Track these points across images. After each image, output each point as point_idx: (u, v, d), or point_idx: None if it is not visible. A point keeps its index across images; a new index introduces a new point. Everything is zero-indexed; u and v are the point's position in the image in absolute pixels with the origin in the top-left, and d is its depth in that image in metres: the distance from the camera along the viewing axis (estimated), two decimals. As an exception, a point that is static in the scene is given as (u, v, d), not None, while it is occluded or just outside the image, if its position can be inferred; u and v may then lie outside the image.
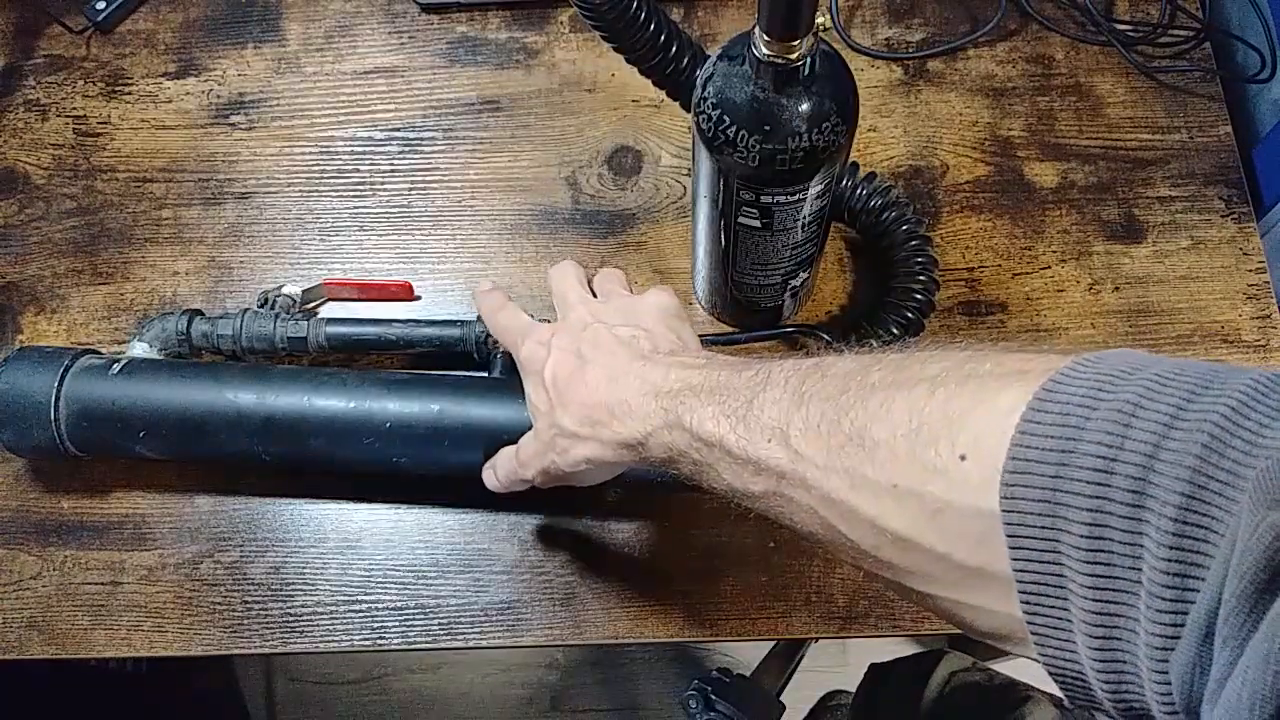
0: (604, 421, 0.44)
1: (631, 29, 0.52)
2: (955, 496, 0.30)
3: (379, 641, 0.60)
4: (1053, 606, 0.28)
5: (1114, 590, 0.26)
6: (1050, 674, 0.29)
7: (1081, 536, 0.27)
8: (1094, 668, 0.27)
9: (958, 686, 0.75)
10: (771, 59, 0.44)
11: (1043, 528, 0.27)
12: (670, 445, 0.41)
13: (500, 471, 0.53)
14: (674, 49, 0.54)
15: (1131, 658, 0.26)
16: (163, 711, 1.26)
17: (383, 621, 0.60)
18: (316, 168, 0.72)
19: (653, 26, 0.52)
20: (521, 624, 0.60)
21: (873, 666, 0.85)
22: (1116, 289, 0.66)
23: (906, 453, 0.31)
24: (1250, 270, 0.66)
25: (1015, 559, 0.28)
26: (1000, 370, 0.31)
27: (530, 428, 0.50)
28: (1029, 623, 0.29)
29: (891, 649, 1.35)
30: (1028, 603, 0.28)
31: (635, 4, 0.51)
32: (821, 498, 0.34)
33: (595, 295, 0.53)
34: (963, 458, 0.30)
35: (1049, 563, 0.28)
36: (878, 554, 0.33)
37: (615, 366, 0.45)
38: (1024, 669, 0.85)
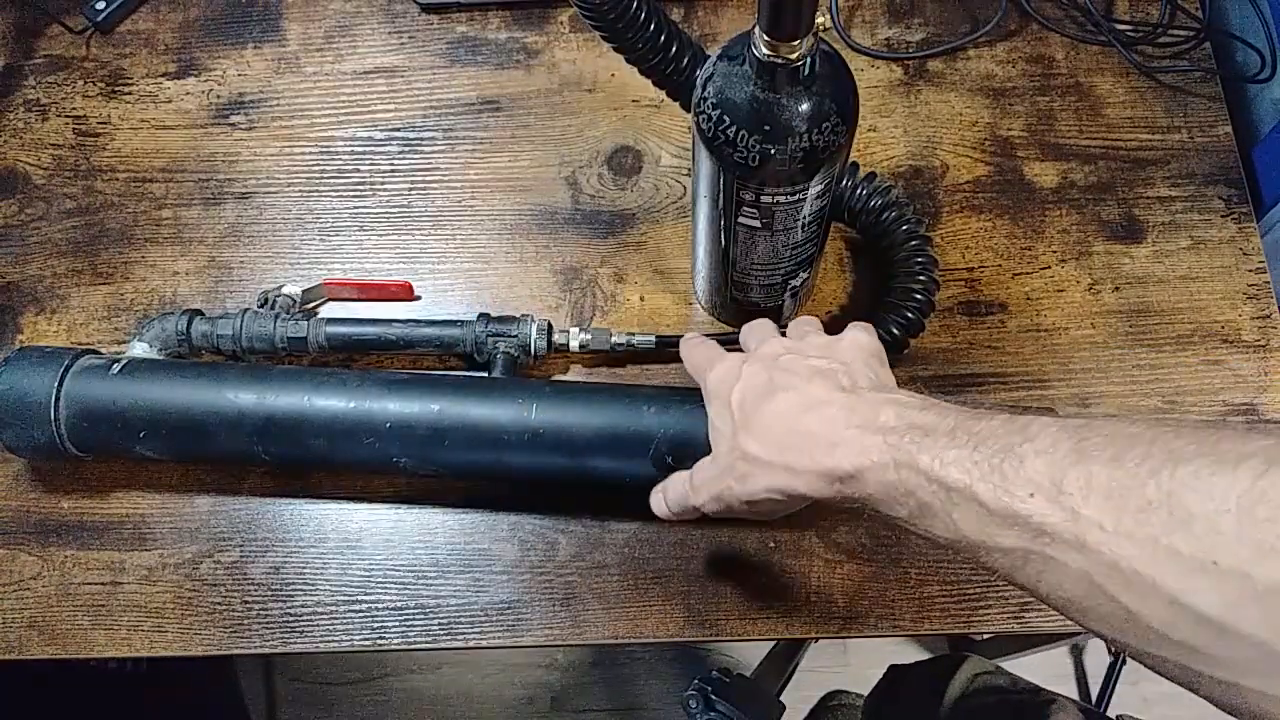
0: (801, 448, 0.42)
1: (631, 29, 0.52)
2: None
3: (379, 641, 0.60)
4: None
5: None
6: None
7: None
8: None
9: (980, 689, 0.75)
10: (771, 59, 0.44)
11: None
12: (895, 484, 0.39)
13: (670, 495, 0.51)
14: (674, 49, 0.54)
15: None
16: (163, 711, 1.26)
17: (383, 621, 0.60)
18: (316, 168, 0.72)
19: (653, 26, 0.52)
20: (521, 624, 0.60)
21: (892, 667, 0.85)
22: (1116, 289, 0.66)
23: (1233, 529, 0.28)
24: (1250, 270, 0.66)
25: None
26: None
27: (533, 431, 0.50)
28: None
29: (892, 649, 1.36)
30: None
31: (635, 4, 0.51)
32: (1105, 564, 0.31)
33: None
34: None
35: None
36: (1169, 633, 0.30)
37: (812, 395, 0.43)
38: (1037, 668, 0.86)
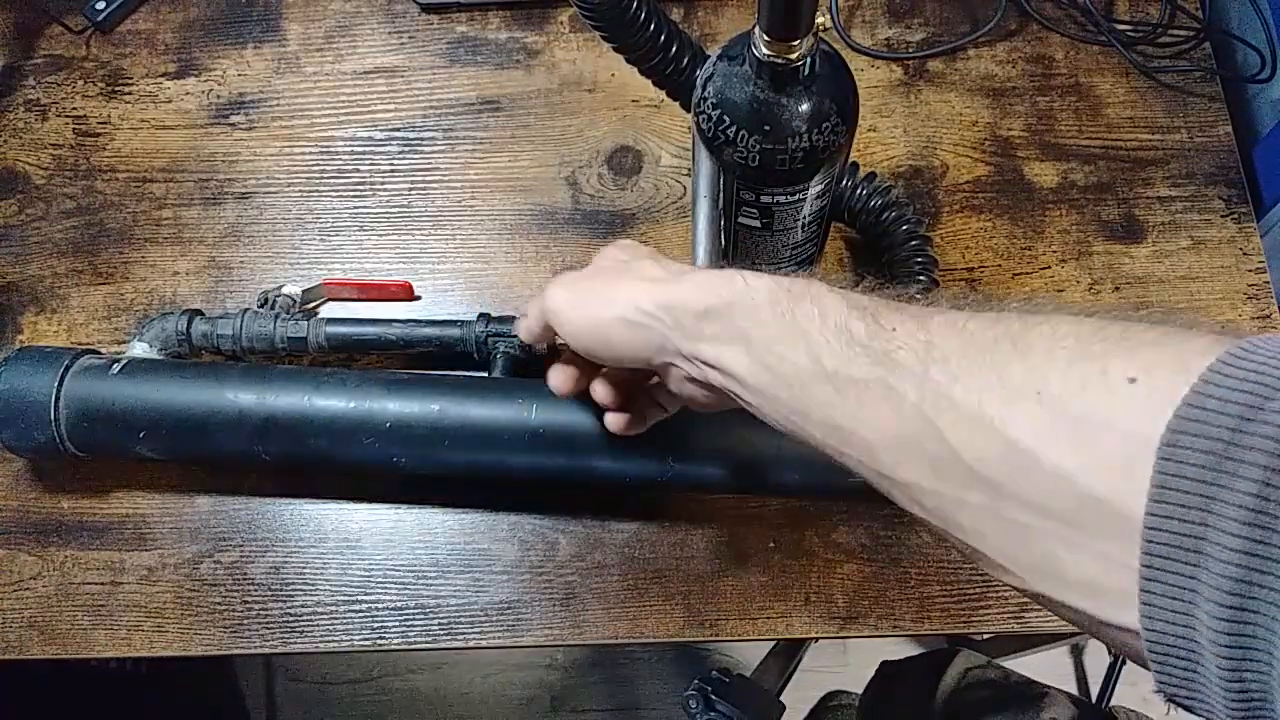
0: (659, 279, 0.42)
1: (631, 29, 0.52)
2: (1111, 414, 0.27)
3: (379, 641, 0.60)
4: (1182, 562, 0.25)
5: (1265, 560, 0.23)
6: (1147, 642, 0.26)
7: (1246, 494, 0.24)
8: (1217, 644, 0.24)
9: (973, 683, 0.75)
10: (771, 59, 0.44)
11: (1202, 469, 0.25)
12: (755, 308, 0.38)
13: (530, 317, 0.49)
14: (674, 49, 0.54)
15: (1267, 645, 0.24)
16: (163, 711, 1.26)
17: (383, 621, 0.60)
18: (316, 168, 0.72)
19: (653, 26, 0.52)
20: (521, 624, 0.60)
21: (884, 664, 0.85)
22: (1116, 289, 0.66)
23: (1065, 363, 0.29)
24: (1250, 270, 0.66)
25: (1158, 498, 0.25)
26: (1194, 325, 0.29)
27: (532, 431, 0.50)
28: (1146, 574, 0.26)
29: (893, 649, 1.36)
30: (1153, 552, 0.25)
31: (635, 4, 0.51)
32: (941, 395, 0.31)
33: None
34: (1132, 380, 0.27)
35: (1196, 509, 0.25)
36: (979, 468, 0.30)
37: (648, 269, 0.43)
38: (1037, 668, 0.86)
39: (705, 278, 0.40)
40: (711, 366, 0.39)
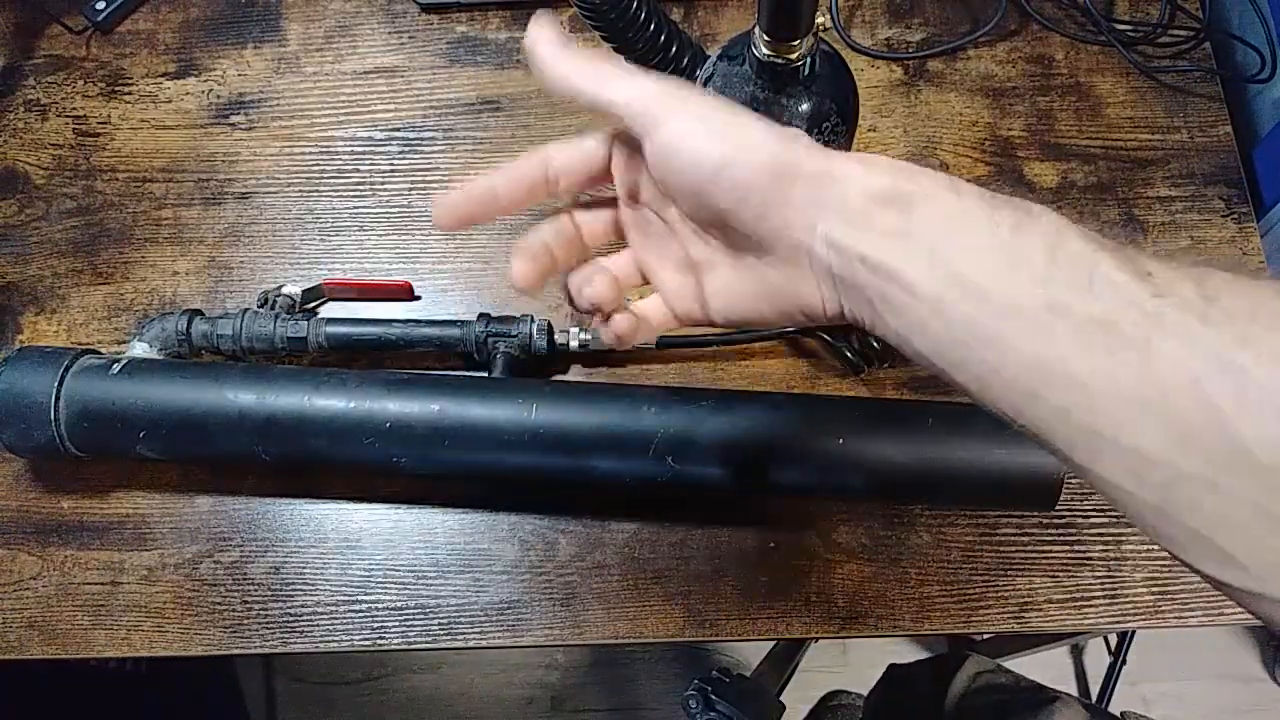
0: (817, 147, 0.32)
1: (631, 28, 0.52)
2: None
3: (379, 641, 0.60)
4: None
5: None
6: None
7: None
8: None
9: (983, 687, 0.75)
10: (771, 59, 0.44)
11: None
12: (921, 195, 0.31)
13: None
14: (674, 48, 0.54)
15: None
16: (163, 711, 1.26)
17: (383, 621, 0.60)
18: (316, 168, 0.72)
19: (653, 26, 0.53)
20: (521, 624, 0.60)
21: (892, 667, 0.85)
22: (1116, 289, 0.66)
23: None
24: (1250, 270, 0.66)
25: None
26: None
27: (532, 431, 0.50)
28: None
29: (893, 649, 1.36)
30: None
31: (635, 4, 0.51)
32: (1222, 361, 0.26)
33: None
34: None
35: None
36: (1262, 453, 0.25)
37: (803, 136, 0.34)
38: (1037, 668, 0.86)
39: (886, 161, 0.32)
40: (867, 265, 0.31)
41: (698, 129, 0.33)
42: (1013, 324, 0.29)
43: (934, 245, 0.30)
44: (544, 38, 0.35)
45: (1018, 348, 0.29)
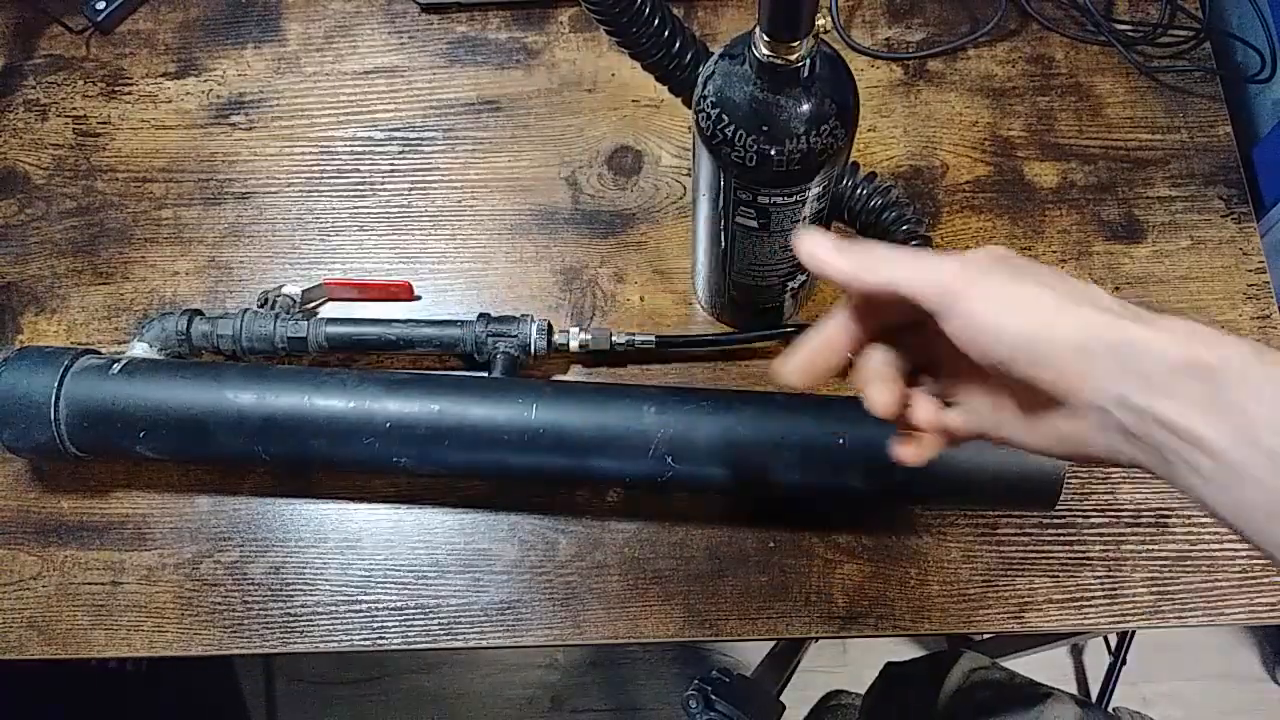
0: (1119, 314, 0.34)
1: (636, 24, 0.52)
2: None
3: (379, 641, 0.60)
4: None
5: None
6: None
7: None
8: None
9: (977, 683, 0.75)
10: (771, 60, 0.44)
11: None
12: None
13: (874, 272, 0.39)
14: (678, 45, 0.54)
15: None
16: (163, 711, 1.26)
17: (383, 621, 0.60)
18: (316, 168, 0.72)
19: (657, 22, 0.52)
20: (521, 624, 0.60)
21: (888, 664, 0.85)
22: (1116, 289, 0.66)
23: None
24: (1250, 270, 0.66)
25: None
26: None
27: (533, 431, 0.50)
28: None
29: (893, 649, 1.36)
30: None
31: (641, 0, 0.51)
32: None
33: None
34: None
35: None
36: None
37: (1103, 297, 0.36)
38: (1037, 668, 0.86)
39: (1184, 326, 0.33)
40: (1167, 428, 0.32)
41: (992, 308, 0.35)
42: None
43: (1241, 417, 0.31)
44: (820, 244, 0.39)
45: None
